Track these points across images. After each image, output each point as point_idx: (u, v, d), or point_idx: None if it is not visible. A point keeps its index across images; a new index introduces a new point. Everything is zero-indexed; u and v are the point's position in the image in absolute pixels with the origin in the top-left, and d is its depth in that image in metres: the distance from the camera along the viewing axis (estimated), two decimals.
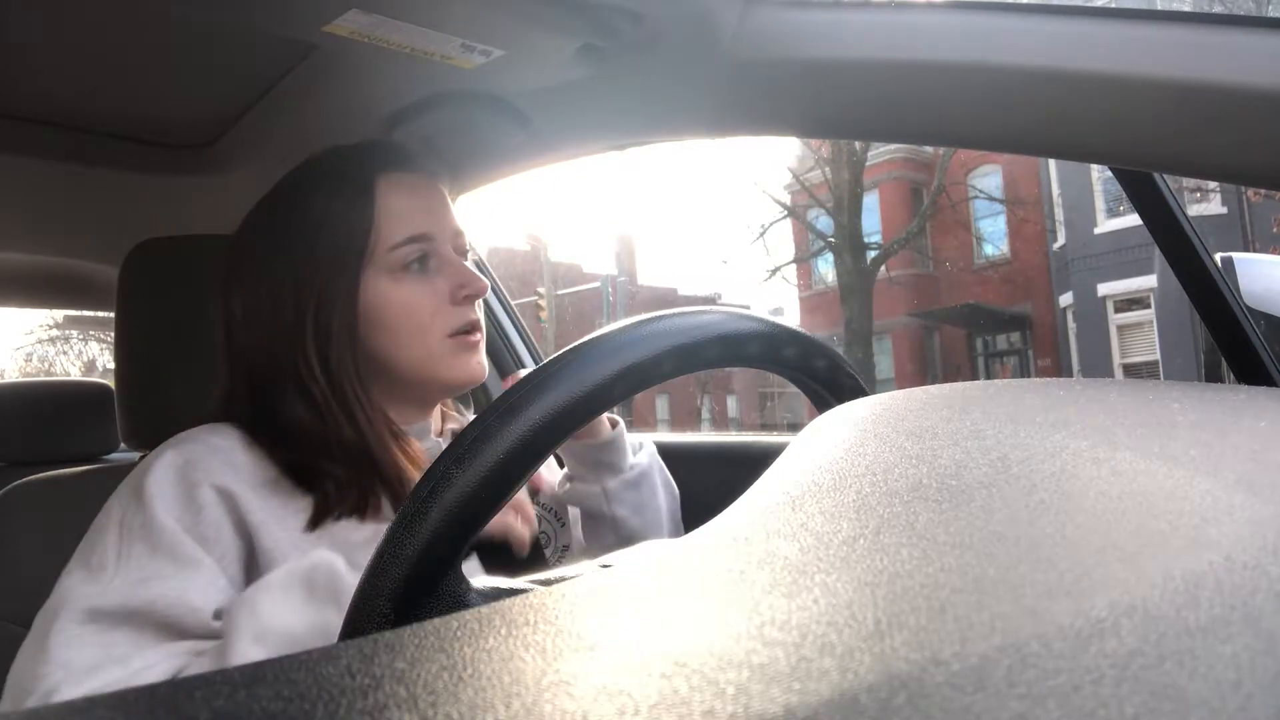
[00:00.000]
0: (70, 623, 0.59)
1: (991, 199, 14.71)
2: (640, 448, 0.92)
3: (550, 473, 0.93)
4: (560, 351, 0.46)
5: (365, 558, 0.64)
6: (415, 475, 0.71)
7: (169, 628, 0.60)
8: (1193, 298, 0.78)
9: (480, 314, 0.79)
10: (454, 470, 0.42)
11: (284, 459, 0.71)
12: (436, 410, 0.84)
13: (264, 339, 0.75)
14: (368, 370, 0.76)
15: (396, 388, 0.78)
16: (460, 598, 0.43)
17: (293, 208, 0.77)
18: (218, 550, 0.65)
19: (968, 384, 0.39)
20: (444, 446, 0.73)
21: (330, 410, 0.72)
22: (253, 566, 0.67)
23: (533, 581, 0.48)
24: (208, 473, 0.67)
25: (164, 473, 0.67)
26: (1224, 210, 10.97)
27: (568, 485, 0.89)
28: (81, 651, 0.58)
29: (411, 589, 0.41)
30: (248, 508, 0.67)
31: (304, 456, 0.71)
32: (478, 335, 0.78)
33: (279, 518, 0.68)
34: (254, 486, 0.68)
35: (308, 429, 0.72)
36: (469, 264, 0.79)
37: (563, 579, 0.47)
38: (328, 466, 0.71)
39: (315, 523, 0.68)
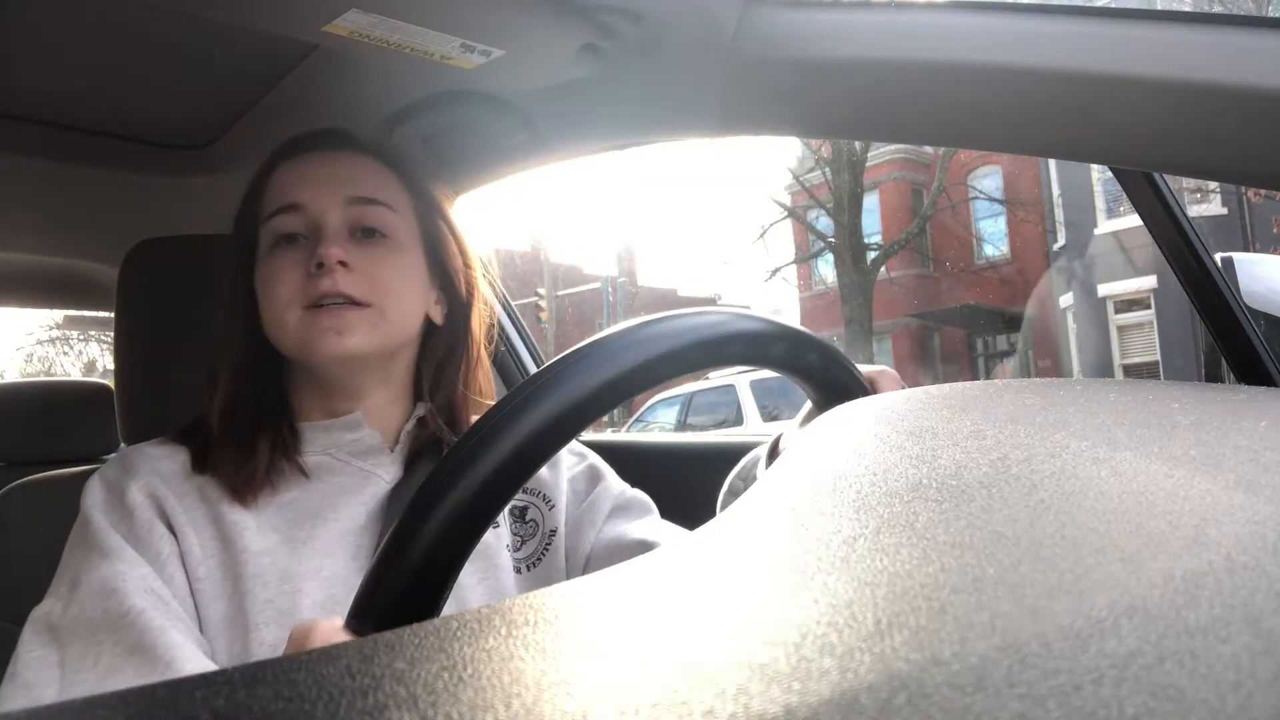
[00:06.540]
0: (33, 644, 0.60)
1: (991, 199, 14.72)
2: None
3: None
4: (563, 354, 0.46)
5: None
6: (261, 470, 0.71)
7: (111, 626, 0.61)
8: (1193, 298, 0.78)
9: (348, 283, 0.71)
10: (457, 470, 0.42)
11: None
12: (386, 407, 0.78)
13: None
14: (270, 354, 0.75)
15: (302, 372, 0.76)
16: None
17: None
18: (150, 551, 0.66)
19: (968, 384, 0.39)
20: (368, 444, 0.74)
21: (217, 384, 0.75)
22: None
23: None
24: (136, 478, 0.69)
25: (96, 486, 0.70)
26: (1224, 210, 10.97)
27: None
28: (41, 673, 0.59)
29: (413, 591, 0.41)
30: (171, 510, 0.69)
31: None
32: (331, 309, 0.70)
33: (193, 519, 0.69)
34: (178, 490, 0.70)
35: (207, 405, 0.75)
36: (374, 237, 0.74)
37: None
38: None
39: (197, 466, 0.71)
